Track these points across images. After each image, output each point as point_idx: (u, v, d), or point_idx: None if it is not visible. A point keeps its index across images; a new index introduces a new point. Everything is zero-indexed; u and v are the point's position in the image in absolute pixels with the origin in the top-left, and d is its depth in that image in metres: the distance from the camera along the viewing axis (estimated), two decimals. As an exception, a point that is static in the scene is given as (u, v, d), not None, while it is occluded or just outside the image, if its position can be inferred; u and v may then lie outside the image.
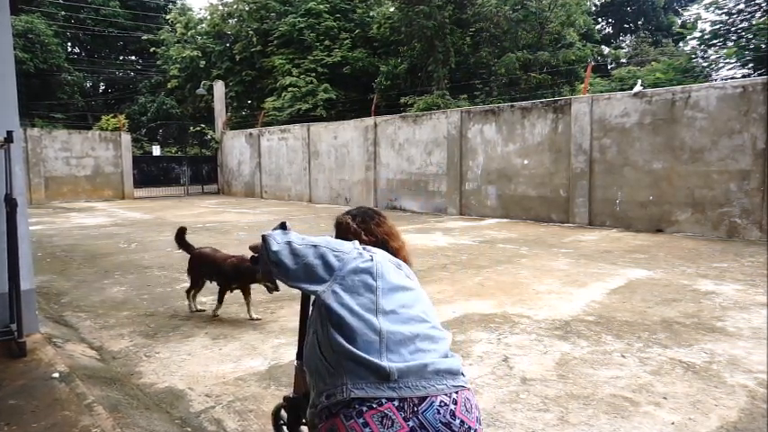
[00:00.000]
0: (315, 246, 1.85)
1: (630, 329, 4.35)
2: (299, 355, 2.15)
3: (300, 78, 22.64)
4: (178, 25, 29.11)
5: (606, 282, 6.03)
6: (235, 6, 26.60)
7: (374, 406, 1.54)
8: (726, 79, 16.14)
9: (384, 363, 1.57)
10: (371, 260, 1.79)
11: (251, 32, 24.88)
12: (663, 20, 34.38)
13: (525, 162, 12.08)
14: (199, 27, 28.70)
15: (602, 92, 15.89)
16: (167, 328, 4.57)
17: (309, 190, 18.19)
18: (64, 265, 7.52)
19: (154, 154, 25.67)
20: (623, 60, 29.16)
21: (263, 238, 1.92)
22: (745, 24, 16.95)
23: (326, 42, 23.64)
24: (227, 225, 11.85)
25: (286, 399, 2.41)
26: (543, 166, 11.78)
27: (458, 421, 1.59)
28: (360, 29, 24.28)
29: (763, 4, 16.68)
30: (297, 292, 5.29)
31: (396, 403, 1.55)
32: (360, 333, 1.62)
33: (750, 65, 16.35)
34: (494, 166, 12.73)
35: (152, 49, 32.94)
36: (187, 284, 5.27)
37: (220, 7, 27.13)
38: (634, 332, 4.28)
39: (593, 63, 20.79)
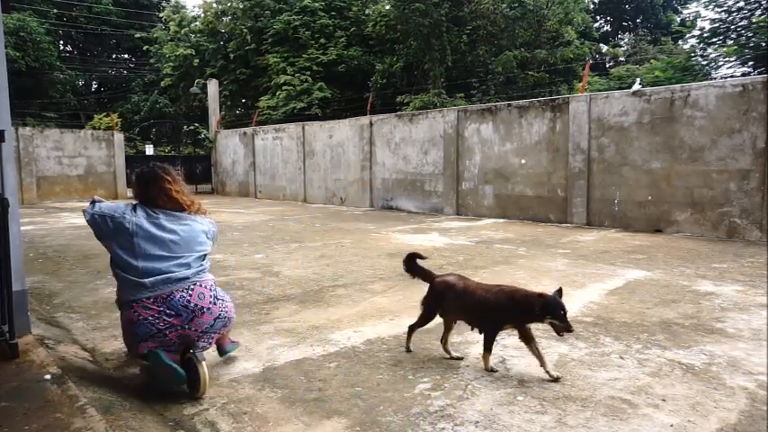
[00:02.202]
0: (102, 215, 3.17)
1: (629, 331, 4.32)
2: None
3: (295, 77, 22.61)
4: (171, 23, 29.02)
5: (604, 282, 6.00)
6: (229, 4, 26.54)
7: (138, 302, 3.05)
8: (725, 78, 16.17)
9: (143, 279, 3.03)
10: (129, 223, 3.12)
11: (245, 30, 24.81)
12: (662, 18, 34.49)
13: (523, 161, 12.06)
14: (192, 25, 28.62)
15: (600, 90, 15.93)
16: (161, 330, 4.51)
17: (304, 190, 18.13)
18: (56, 265, 7.45)
19: (147, 153, 25.56)
20: (622, 59, 29.23)
21: (83, 212, 3.26)
22: (744, 22, 16.97)
23: (322, 40, 23.62)
24: (220, 225, 11.68)
25: None
26: (541, 165, 11.76)
27: (192, 304, 3.10)
28: (355, 27, 24.27)
29: (762, 2, 16.72)
30: (292, 292, 5.20)
31: (151, 300, 3.05)
32: (129, 269, 3.08)
33: (750, 63, 16.38)
34: (491, 166, 12.71)
35: (145, 48, 32.84)
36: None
37: (214, 5, 27.05)
38: (633, 333, 4.26)
39: (591, 61, 20.84)
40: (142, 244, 3.13)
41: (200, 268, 3.27)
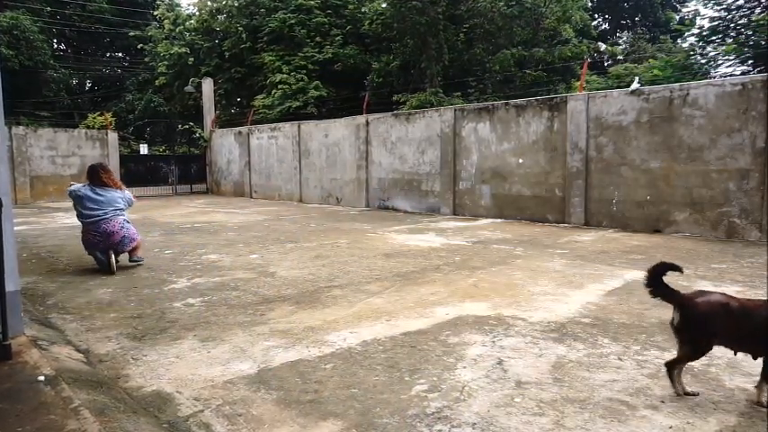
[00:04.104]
0: (72, 191, 6.96)
1: (627, 332, 4.31)
2: None
3: (291, 75, 22.51)
4: (166, 21, 28.82)
5: (603, 283, 5.98)
6: (224, 2, 26.39)
7: (84, 230, 6.92)
8: (725, 76, 16.20)
9: (85, 219, 6.86)
10: (80, 192, 6.88)
11: (240, 29, 24.70)
12: (660, 16, 34.58)
13: (520, 161, 12.02)
14: (187, 23, 28.41)
15: (598, 89, 15.92)
16: (155, 331, 4.48)
17: (300, 189, 18.07)
18: (49, 266, 7.42)
19: (141, 153, 25.42)
20: (620, 57, 29.23)
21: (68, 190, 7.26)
22: (744, 20, 16.98)
23: (317, 39, 23.53)
24: (215, 225, 11.75)
25: None
26: (538, 165, 11.71)
27: (107, 230, 6.80)
28: (351, 25, 24.17)
29: (762, 0, 16.75)
30: (288, 292, 5.19)
31: (89, 228, 6.86)
32: (81, 216, 6.91)
33: (749, 61, 16.42)
34: (488, 165, 12.67)
35: (139, 46, 32.57)
36: None
37: (209, 3, 26.89)
38: (631, 334, 4.24)
39: (589, 60, 20.81)
40: (86, 202, 6.88)
41: (114, 214, 6.93)
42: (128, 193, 7.40)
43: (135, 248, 7.12)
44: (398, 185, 14.83)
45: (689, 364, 3.27)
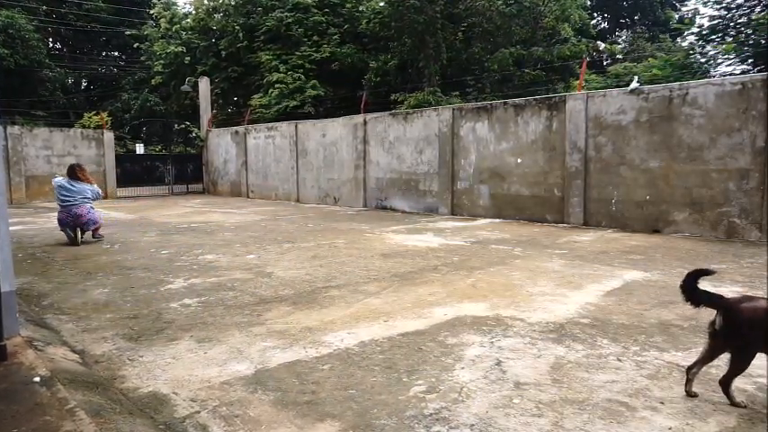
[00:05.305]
0: (55, 183, 9.38)
1: (627, 332, 4.29)
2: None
3: (288, 75, 22.48)
4: (162, 20, 28.76)
5: (602, 283, 5.97)
6: (220, 1, 26.34)
7: (60, 211, 9.16)
8: (724, 75, 16.21)
9: (62, 204, 9.10)
10: (60, 183, 9.22)
11: (237, 27, 24.65)
12: (660, 15, 34.65)
13: (519, 161, 12.00)
14: (183, 22, 28.33)
15: (597, 88, 15.91)
16: (151, 331, 4.45)
17: (297, 189, 18.04)
18: (45, 266, 7.37)
19: (137, 152, 25.41)
20: (619, 56, 29.22)
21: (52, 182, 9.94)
22: (744, 19, 17.00)
23: (315, 38, 23.50)
24: (212, 225, 11.71)
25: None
26: (537, 164, 11.69)
27: (77, 213, 9.03)
28: (349, 24, 24.14)
29: (762, -1, 16.78)
30: (285, 293, 5.17)
31: (63, 210, 9.10)
32: (59, 200, 9.16)
33: (749, 60, 16.44)
34: (486, 165, 12.65)
35: (135, 45, 32.50)
36: None
37: (206, 2, 26.83)
38: (630, 335, 4.22)
39: (588, 59, 20.80)
40: (63, 191, 9.05)
41: (81, 201, 9.03)
42: (95, 187, 9.59)
43: (97, 229, 9.35)
44: (396, 185, 14.81)
45: (683, 364, 3.30)
